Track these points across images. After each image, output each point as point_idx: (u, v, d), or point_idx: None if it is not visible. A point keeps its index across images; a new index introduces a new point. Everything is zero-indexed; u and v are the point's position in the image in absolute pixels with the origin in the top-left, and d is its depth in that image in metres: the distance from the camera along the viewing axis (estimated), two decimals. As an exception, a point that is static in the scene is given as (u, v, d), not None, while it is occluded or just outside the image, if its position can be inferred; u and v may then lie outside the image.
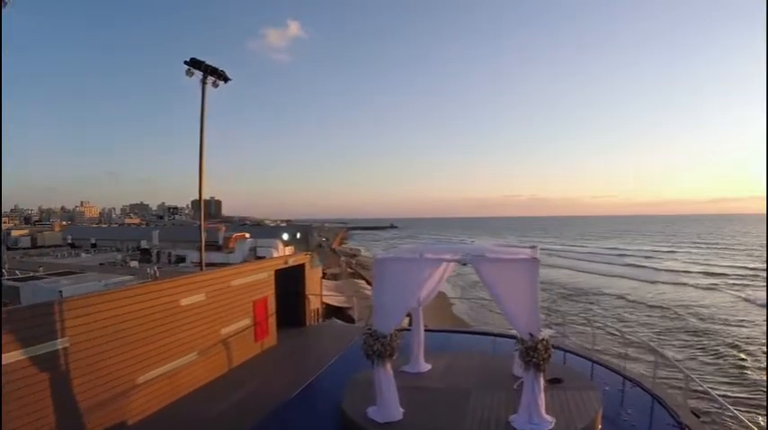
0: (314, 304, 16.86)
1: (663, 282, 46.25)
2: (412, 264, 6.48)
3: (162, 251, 37.63)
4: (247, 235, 38.82)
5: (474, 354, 10.27)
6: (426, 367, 9.09)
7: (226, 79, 10.91)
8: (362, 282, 41.68)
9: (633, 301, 36.28)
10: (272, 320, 12.47)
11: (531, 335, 6.07)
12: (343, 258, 51.54)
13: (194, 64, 10.21)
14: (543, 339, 6.08)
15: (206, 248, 41.36)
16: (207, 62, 10.26)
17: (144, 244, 45.54)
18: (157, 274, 14.48)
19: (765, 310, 31.42)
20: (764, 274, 48.36)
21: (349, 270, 49.08)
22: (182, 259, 35.63)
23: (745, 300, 36.15)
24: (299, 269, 14.23)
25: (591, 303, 36.59)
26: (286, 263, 13.01)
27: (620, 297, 38.20)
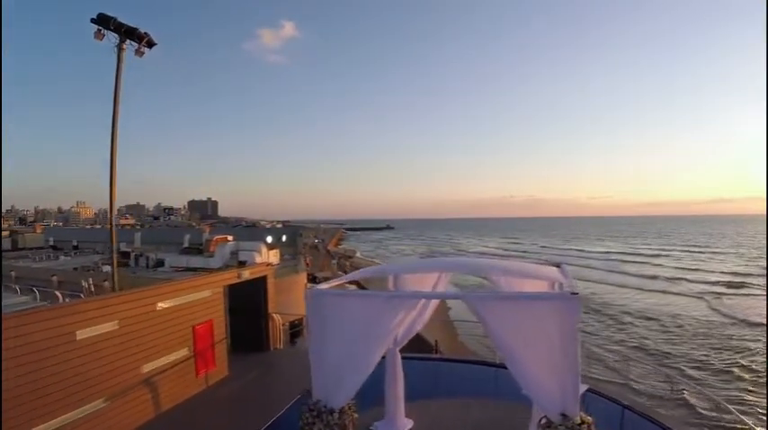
0: (292, 317, 14.44)
1: (643, 289, 43.14)
2: (373, 302, 4.05)
3: (143, 254, 35.22)
4: (230, 237, 36.30)
5: (472, 402, 7.86)
6: (406, 424, 6.69)
7: (151, 44, 8.47)
8: (353, 286, 39.27)
9: (607, 315, 33.06)
10: (222, 347, 10.05)
11: (564, 415, 3.71)
12: (334, 261, 48.95)
13: (103, 21, 7.74)
14: (584, 422, 3.73)
15: (188, 252, 38.65)
16: (120, 20, 7.82)
17: (124, 246, 43.06)
18: (92, 289, 11.95)
19: (765, 311, 30.25)
20: (753, 282, 45.87)
21: (339, 273, 46.58)
22: (160, 263, 33.16)
23: (725, 315, 32.70)
24: (260, 282, 11.73)
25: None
26: (239, 277, 10.55)
27: (594, 310, 34.59)
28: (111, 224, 9.69)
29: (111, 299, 7.78)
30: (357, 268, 63.61)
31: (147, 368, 8.25)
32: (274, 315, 12.16)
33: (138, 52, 8.46)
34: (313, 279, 43.87)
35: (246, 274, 10.70)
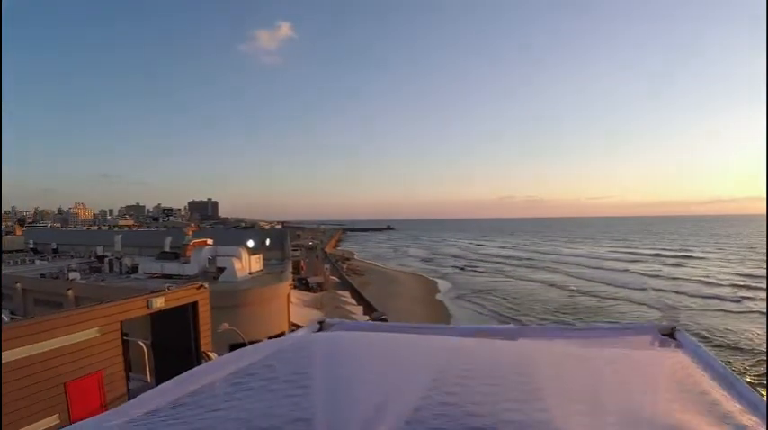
0: (281, 328, 11.75)
1: (602, 297, 40.84)
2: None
3: (119, 259, 32.45)
4: (209, 241, 33.52)
5: None
6: None
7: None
8: (346, 294, 36.38)
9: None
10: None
11: None
12: (326, 265, 45.97)
13: None
14: None
15: (164, 257, 35.54)
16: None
17: (100, 250, 40.21)
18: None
19: (765, 310, 29.92)
20: (721, 293, 42.98)
21: (333, 278, 43.70)
22: (134, 269, 30.34)
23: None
24: (189, 310, 8.77)
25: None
26: (149, 307, 7.60)
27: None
28: None
29: None
30: (355, 270, 60.71)
31: (-19, 453, 5.46)
32: (210, 353, 9.22)
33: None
34: (306, 284, 41.07)
35: (160, 303, 7.71)
